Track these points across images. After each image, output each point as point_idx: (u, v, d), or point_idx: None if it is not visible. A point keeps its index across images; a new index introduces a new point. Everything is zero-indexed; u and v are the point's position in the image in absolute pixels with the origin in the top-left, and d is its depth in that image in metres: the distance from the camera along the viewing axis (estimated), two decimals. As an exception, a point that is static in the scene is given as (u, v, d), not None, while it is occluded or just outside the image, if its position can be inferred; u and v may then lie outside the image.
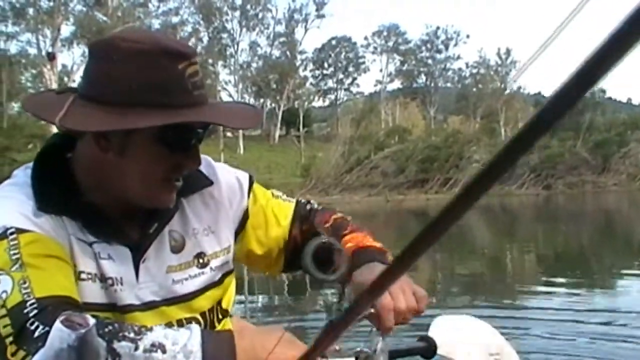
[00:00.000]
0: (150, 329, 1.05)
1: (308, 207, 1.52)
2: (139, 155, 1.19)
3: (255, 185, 1.47)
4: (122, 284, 1.22)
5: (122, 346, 1.00)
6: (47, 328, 0.99)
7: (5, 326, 1.03)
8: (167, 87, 1.14)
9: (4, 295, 1.05)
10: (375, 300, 1.00)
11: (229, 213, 1.40)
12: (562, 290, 7.60)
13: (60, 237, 1.17)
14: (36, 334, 1.01)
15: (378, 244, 1.43)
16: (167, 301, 1.28)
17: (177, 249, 1.31)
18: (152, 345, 1.02)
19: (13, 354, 1.01)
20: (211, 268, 1.35)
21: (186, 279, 1.31)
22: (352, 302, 0.97)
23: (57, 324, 0.91)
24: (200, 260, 1.34)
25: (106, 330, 1.01)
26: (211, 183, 1.38)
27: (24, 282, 1.06)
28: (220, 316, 1.39)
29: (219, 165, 1.45)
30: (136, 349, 1.01)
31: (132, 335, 1.02)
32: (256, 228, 1.45)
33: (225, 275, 1.40)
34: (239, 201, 1.42)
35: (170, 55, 1.15)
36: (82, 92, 1.19)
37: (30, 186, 1.19)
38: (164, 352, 1.02)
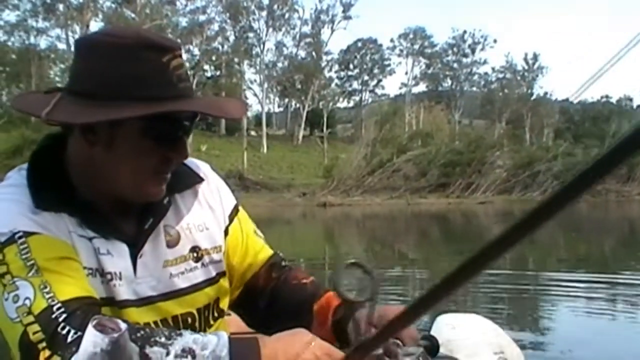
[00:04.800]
0: (180, 334, 1.07)
1: (284, 262, 1.51)
2: (126, 148, 1.18)
3: (242, 212, 1.48)
4: (120, 279, 1.22)
5: (154, 351, 1.02)
6: (79, 332, 1.01)
7: (35, 332, 1.04)
8: (151, 80, 1.14)
9: (27, 302, 1.06)
10: (406, 326, 1.01)
11: (220, 217, 1.41)
12: (584, 298, 7.53)
13: (62, 234, 1.17)
14: (69, 338, 1.02)
15: None
16: (164, 296, 1.28)
17: (172, 243, 1.31)
18: (183, 350, 1.03)
19: (47, 359, 1.02)
20: (205, 263, 1.36)
21: (182, 273, 1.31)
22: (383, 326, 0.99)
23: (90, 328, 0.92)
24: (195, 254, 1.34)
25: (138, 335, 1.03)
26: (202, 180, 1.39)
27: (45, 287, 1.07)
28: (215, 314, 1.39)
29: (213, 173, 1.46)
30: (167, 354, 1.02)
31: (163, 340, 1.04)
32: (233, 250, 1.44)
33: (219, 275, 1.39)
34: (226, 212, 1.43)
35: (153, 48, 1.15)
36: (68, 88, 1.19)
37: (27, 187, 1.19)
38: (193, 357, 1.03)
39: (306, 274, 1.50)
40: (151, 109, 1.12)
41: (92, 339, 0.91)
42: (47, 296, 1.06)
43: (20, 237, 1.11)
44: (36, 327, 1.04)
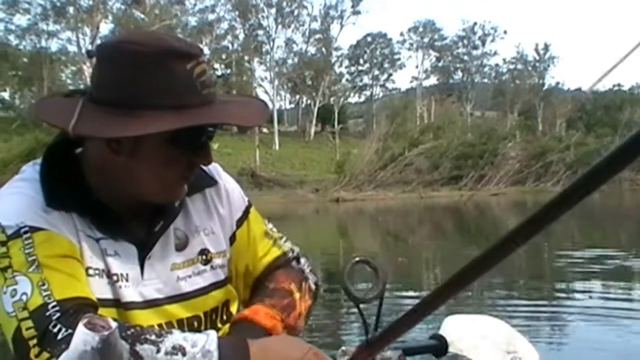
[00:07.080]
0: (170, 332, 1.08)
1: (292, 263, 1.47)
2: (151, 157, 1.18)
3: (253, 214, 1.46)
4: (127, 280, 1.22)
5: (144, 349, 1.02)
6: (70, 330, 1.00)
7: (28, 329, 1.04)
8: (176, 89, 1.13)
9: (24, 298, 1.06)
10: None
11: (227, 224, 1.40)
12: (599, 291, 7.51)
13: (69, 233, 1.17)
14: (59, 336, 1.02)
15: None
16: (171, 299, 1.28)
17: (180, 246, 1.31)
18: (173, 347, 1.03)
19: (37, 356, 1.02)
20: (215, 266, 1.35)
21: (190, 276, 1.31)
22: (393, 323, 1.00)
23: (81, 327, 0.92)
24: (204, 257, 1.34)
25: (129, 332, 1.03)
26: (215, 183, 1.39)
27: (43, 284, 1.07)
28: (224, 318, 1.38)
29: (226, 175, 1.45)
30: (158, 351, 1.03)
31: (153, 337, 1.04)
32: (240, 255, 1.42)
33: (228, 279, 1.39)
34: (234, 218, 1.42)
35: (177, 56, 1.13)
36: (92, 95, 1.17)
37: (39, 182, 1.19)
38: (184, 354, 1.03)
39: (290, 280, 1.40)
40: (178, 121, 1.11)
41: (83, 337, 0.91)
42: (44, 294, 1.06)
43: (25, 232, 1.11)
44: (29, 323, 1.04)
